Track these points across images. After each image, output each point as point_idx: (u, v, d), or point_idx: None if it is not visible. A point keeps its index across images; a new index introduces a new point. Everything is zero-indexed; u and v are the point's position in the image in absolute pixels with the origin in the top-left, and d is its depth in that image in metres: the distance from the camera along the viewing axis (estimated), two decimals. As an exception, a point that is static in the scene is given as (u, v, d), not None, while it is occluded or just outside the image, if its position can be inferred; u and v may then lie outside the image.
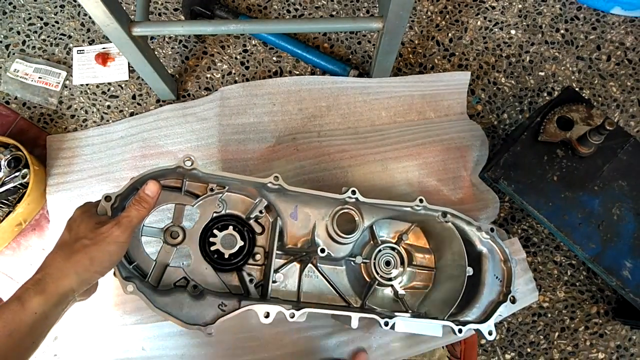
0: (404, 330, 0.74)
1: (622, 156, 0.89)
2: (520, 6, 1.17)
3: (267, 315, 0.70)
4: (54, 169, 1.03)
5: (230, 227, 0.80)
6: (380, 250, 0.85)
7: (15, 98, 1.11)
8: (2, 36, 1.15)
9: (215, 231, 0.79)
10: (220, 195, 0.80)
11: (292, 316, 0.71)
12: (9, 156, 0.98)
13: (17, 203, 0.96)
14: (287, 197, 0.81)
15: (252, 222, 0.83)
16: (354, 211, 0.82)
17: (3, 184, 0.97)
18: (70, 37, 1.15)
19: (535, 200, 0.87)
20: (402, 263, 0.85)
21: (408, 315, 0.82)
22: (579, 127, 0.88)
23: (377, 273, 0.84)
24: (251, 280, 0.79)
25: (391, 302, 0.86)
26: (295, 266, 0.84)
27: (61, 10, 1.17)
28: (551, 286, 1.01)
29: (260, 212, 0.82)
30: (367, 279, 0.86)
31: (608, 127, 0.78)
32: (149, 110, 1.09)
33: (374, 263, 0.84)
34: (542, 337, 0.99)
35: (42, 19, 1.16)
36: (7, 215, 0.95)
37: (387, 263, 0.85)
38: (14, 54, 1.14)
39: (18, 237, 0.99)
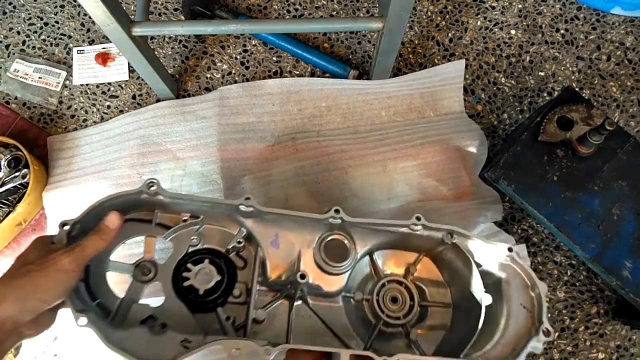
0: None
1: (622, 156, 0.89)
2: (520, 6, 1.17)
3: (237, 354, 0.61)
4: (54, 169, 1.03)
5: (206, 261, 0.71)
6: (384, 285, 0.75)
7: (15, 98, 1.11)
8: (2, 36, 1.15)
9: (189, 265, 0.71)
10: (197, 227, 0.74)
11: (268, 353, 0.60)
12: (9, 156, 0.98)
13: (17, 203, 0.96)
14: (266, 223, 0.72)
15: (232, 255, 0.75)
16: (343, 235, 0.73)
17: (3, 184, 0.97)
18: (70, 37, 1.15)
19: (535, 200, 0.87)
20: (412, 299, 0.74)
21: (417, 353, 0.72)
22: (579, 127, 0.88)
23: (383, 312, 0.73)
24: (231, 321, 0.70)
25: (403, 347, 0.74)
26: (283, 304, 0.74)
27: (61, 10, 1.17)
28: (551, 286, 1.01)
29: (239, 242, 0.73)
30: (372, 320, 0.75)
31: (608, 127, 0.78)
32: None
33: (377, 300, 0.73)
34: (542, 337, 0.99)
35: (42, 19, 1.16)
36: (7, 215, 0.95)
37: (394, 300, 0.74)
38: (14, 54, 1.14)
39: (18, 237, 0.99)
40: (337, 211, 0.69)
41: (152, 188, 0.67)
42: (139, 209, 0.72)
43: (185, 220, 0.73)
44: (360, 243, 0.73)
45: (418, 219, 0.69)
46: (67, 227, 0.64)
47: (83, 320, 0.60)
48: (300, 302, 0.74)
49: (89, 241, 0.62)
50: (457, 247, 0.71)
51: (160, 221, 0.74)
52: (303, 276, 0.69)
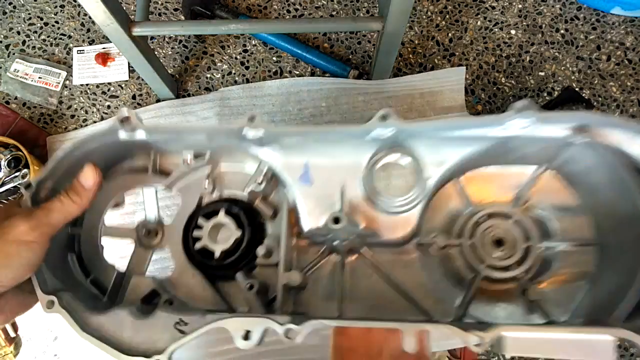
0: (531, 354, 0.40)
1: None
2: (520, 6, 1.17)
3: (245, 337, 0.44)
4: (54, 169, 1.03)
5: (221, 212, 0.55)
6: (481, 222, 0.52)
7: (15, 98, 1.11)
8: (2, 36, 1.15)
9: (200, 221, 0.55)
10: (207, 167, 0.57)
11: (289, 335, 0.43)
12: (9, 156, 0.98)
13: (17, 203, 0.96)
14: (289, 151, 0.53)
15: (257, 202, 0.57)
16: (403, 153, 0.50)
17: (3, 184, 0.97)
18: (70, 37, 1.15)
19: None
20: (528, 239, 0.51)
21: (541, 320, 0.50)
22: (579, 127, 0.87)
23: (483, 261, 0.51)
24: (255, 289, 0.52)
25: (516, 310, 0.52)
26: (331, 261, 0.55)
27: (61, 10, 1.17)
28: (551, 286, 1.01)
29: (259, 182, 0.55)
30: (464, 273, 0.53)
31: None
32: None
33: (473, 244, 0.52)
34: (542, 337, 0.99)
35: (42, 19, 1.16)
36: (7, 215, 0.95)
37: (498, 242, 0.52)
38: (14, 54, 1.14)
39: (18, 237, 0.99)
40: (383, 117, 0.46)
41: (127, 123, 0.51)
42: (128, 156, 0.57)
43: (187, 162, 0.57)
44: (432, 161, 0.50)
45: (521, 109, 0.42)
46: (31, 190, 0.50)
47: (51, 301, 0.48)
48: (354, 256, 0.55)
49: (57, 203, 0.49)
50: (597, 147, 0.44)
51: (161, 167, 0.59)
52: (336, 219, 0.48)
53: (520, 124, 0.45)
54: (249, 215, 0.56)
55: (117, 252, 0.59)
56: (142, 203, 0.58)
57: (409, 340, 0.41)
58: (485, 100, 1.11)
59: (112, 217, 0.59)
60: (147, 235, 0.58)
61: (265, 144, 0.52)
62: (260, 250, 0.54)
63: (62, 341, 0.92)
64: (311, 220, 0.53)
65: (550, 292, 0.51)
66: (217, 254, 0.54)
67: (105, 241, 0.58)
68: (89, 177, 0.51)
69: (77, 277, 0.55)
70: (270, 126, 0.49)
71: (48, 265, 0.51)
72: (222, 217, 0.55)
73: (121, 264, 0.58)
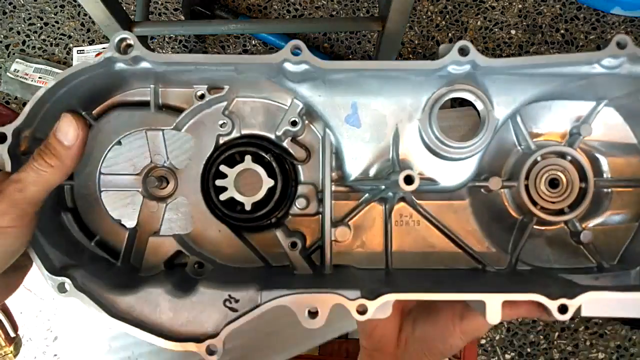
0: (604, 314, 0.41)
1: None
2: (520, 6, 1.17)
3: (313, 314, 0.39)
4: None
5: (248, 158, 0.47)
6: (536, 161, 0.48)
7: (15, 98, 1.11)
8: (2, 36, 1.15)
9: (223, 168, 0.47)
10: (223, 105, 0.48)
11: (362, 312, 0.39)
12: (9, 156, 0.98)
13: (17, 203, 0.96)
14: (334, 87, 0.46)
15: (286, 143, 0.49)
16: (472, 91, 0.44)
17: (3, 184, 0.96)
18: (70, 37, 1.15)
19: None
20: (584, 179, 0.48)
21: (592, 262, 0.48)
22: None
23: (535, 204, 0.48)
24: (299, 248, 0.46)
25: (565, 253, 0.50)
26: (376, 210, 0.50)
27: (61, 10, 1.17)
28: (551, 286, 1.01)
29: (294, 122, 0.47)
30: (516, 216, 0.50)
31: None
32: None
33: (527, 185, 0.48)
34: (542, 337, 0.99)
35: (42, 19, 1.16)
36: (7, 215, 0.95)
37: (553, 183, 0.49)
38: (14, 54, 1.14)
39: (18, 237, 0.99)
40: (462, 50, 0.41)
41: (129, 50, 0.41)
42: (122, 87, 0.48)
43: (201, 96, 0.47)
44: (502, 101, 0.44)
45: (621, 45, 0.40)
46: (7, 142, 0.40)
47: (67, 285, 0.40)
48: (401, 203, 0.49)
49: (30, 173, 0.38)
50: None
51: (165, 102, 0.48)
52: (408, 178, 0.42)
53: (613, 63, 0.41)
54: (278, 160, 0.48)
55: (122, 206, 0.48)
56: (147, 146, 0.48)
57: (494, 311, 0.38)
58: (485, 100, 1.11)
59: (111, 164, 0.48)
60: (156, 185, 0.48)
61: (306, 80, 0.44)
62: (300, 203, 0.48)
63: (62, 341, 0.92)
64: (357, 166, 0.46)
65: (599, 234, 0.49)
66: (247, 206, 0.47)
67: (106, 194, 0.48)
68: (67, 131, 0.38)
69: (80, 241, 0.46)
70: (318, 61, 0.41)
71: (47, 238, 0.42)
72: (249, 162, 0.47)
73: (129, 221, 0.48)
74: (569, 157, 0.48)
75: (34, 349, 0.96)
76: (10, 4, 1.17)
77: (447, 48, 0.41)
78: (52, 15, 1.17)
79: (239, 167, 0.47)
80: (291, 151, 0.49)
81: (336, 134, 0.46)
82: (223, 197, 0.47)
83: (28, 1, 1.18)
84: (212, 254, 0.48)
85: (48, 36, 1.15)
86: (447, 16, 1.17)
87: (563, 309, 0.38)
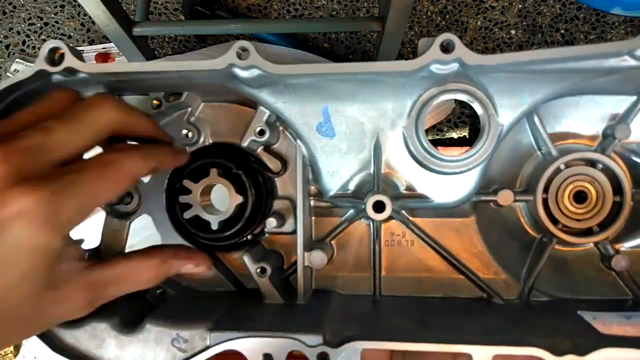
0: None
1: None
2: (520, 6, 1.17)
3: None
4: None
5: (214, 171, 0.42)
6: (558, 171, 0.41)
7: (15, 98, 1.11)
8: (2, 36, 1.15)
9: (186, 182, 0.43)
10: (186, 109, 0.43)
11: None
12: (9, 156, 0.97)
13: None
14: (301, 94, 0.39)
15: (259, 152, 0.44)
16: (469, 91, 0.36)
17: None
18: (70, 37, 1.15)
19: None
20: (619, 192, 0.40)
21: (629, 294, 0.41)
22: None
23: (556, 222, 0.41)
24: (268, 274, 0.41)
25: (593, 282, 0.42)
26: (362, 227, 0.44)
27: (61, 10, 1.17)
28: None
29: (261, 132, 0.42)
30: (534, 234, 0.43)
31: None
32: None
33: (546, 200, 0.41)
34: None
35: (42, 19, 1.16)
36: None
37: (580, 196, 0.41)
38: (14, 54, 1.14)
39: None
40: (445, 47, 0.33)
41: (62, 61, 0.37)
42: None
43: (158, 106, 0.42)
44: (506, 104, 0.37)
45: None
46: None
47: None
48: (392, 220, 0.44)
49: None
50: None
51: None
52: (379, 205, 0.37)
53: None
54: (250, 172, 0.43)
55: (83, 225, 0.42)
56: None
57: None
58: (485, 100, 1.11)
59: None
60: (118, 202, 0.44)
61: (265, 85, 0.38)
62: (271, 223, 0.43)
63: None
64: (336, 181, 0.41)
65: (637, 260, 0.41)
66: (214, 225, 0.43)
67: None
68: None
69: None
70: (270, 65, 0.35)
71: None
72: (214, 176, 0.42)
73: (91, 241, 0.44)
74: (600, 165, 0.40)
75: (33, 349, 0.96)
76: (10, 4, 1.17)
77: (427, 43, 0.33)
78: (52, 15, 1.17)
79: (204, 181, 0.43)
80: (265, 162, 0.45)
81: (308, 144, 0.40)
82: (187, 215, 0.43)
83: (28, 1, 1.18)
84: (177, 277, 0.44)
85: (48, 36, 1.15)
86: (447, 16, 1.17)
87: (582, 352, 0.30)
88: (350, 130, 0.40)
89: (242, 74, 0.36)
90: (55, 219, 0.28)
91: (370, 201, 0.37)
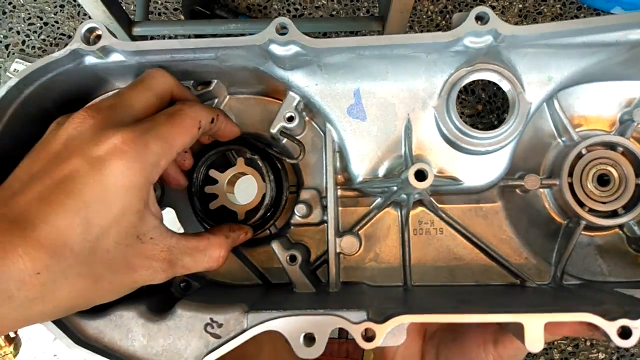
0: None
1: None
2: (520, 6, 1.17)
3: (309, 340, 0.33)
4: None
5: (240, 161, 0.43)
6: (580, 155, 0.42)
7: (15, 98, 1.11)
8: (2, 36, 1.15)
9: (212, 172, 0.43)
10: (213, 100, 0.44)
11: (369, 337, 0.32)
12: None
13: (17, 203, 0.96)
14: (334, 74, 0.40)
15: (285, 142, 0.44)
16: (497, 71, 0.38)
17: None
18: (70, 37, 1.15)
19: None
20: None
21: None
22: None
23: (582, 205, 0.41)
24: (299, 262, 0.40)
25: (622, 264, 0.43)
26: (390, 216, 0.44)
27: (61, 10, 1.17)
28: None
29: (290, 117, 0.41)
30: (560, 220, 0.44)
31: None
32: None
33: (571, 184, 0.41)
34: (542, 337, 0.99)
35: (41, 18, 1.16)
36: (6, 215, 0.95)
37: (603, 179, 0.42)
38: (14, 54, 1.14)
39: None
40: (480, 18, 0.36)
41: (98, 42, 0.36)
42: (98, 88, 0.42)
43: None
44: (535, 80, 0.38)
45: None
46: None
47: None
48: (419, 208, 0.43)
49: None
50: None
51: None
52: (420, 173, 0.36)
53: None
54: (271, 162, 0.43)
55: None
56: None
57: (535, 335, 0.31)
58: (485, 100, 1.11)
59: None
60: None
61: (299, 66, 0.38)
62: (299, 210, 0.42)
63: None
64: (365, 166, 0.40)
65: None
66: (240, 216, 0.42)
67: None
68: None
69: None
70: (309, 39, 0.35)
71: None
72: (241, 165, 0.42)
73: None
74: (621, 149, 0.41)
75: (33, 349, 0.96)
76: (10, 3, 1.17)
77: (462, 17, 0.34)
78: (52, 15, 1.17)
79: (230, 171, 0.43)
80: (290, 151, 0.44)
81: (338, 128, 0.40)
82: (213, 206, 0.42)
83: (28, 1, 1.18)
84: (200, 273, 0.43)
85: (48, 36, 1.15)
86: (447, 16, 1.17)
87: (625, 333, 0.30)
88: (382, 112, 0.40)
89: (279, 51, 0.36)
90: (144, 157, 0.30)
91: (412, 169, 0.36)
